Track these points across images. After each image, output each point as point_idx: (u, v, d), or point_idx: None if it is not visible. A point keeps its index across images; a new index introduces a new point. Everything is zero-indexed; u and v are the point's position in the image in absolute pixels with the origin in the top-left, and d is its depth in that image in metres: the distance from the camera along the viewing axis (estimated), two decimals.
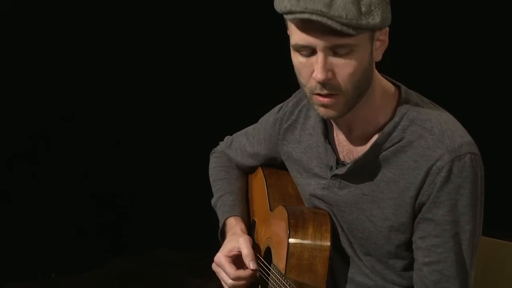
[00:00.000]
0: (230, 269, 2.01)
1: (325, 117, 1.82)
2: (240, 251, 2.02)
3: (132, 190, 4.92)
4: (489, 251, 1.88)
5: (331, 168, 1.89)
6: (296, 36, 1.72)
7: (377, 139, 1.81)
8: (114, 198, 4.90)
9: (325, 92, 1.73)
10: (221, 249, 2.05)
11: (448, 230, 1.77)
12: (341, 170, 1.87)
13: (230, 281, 2.02)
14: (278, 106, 2.09)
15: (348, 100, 1.75)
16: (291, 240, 1.88)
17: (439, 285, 1.79)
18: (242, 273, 2.02)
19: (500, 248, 2.04)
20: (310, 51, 1.72)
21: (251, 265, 2.00)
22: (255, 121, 2.20)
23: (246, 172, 2.27)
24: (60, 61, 4.38)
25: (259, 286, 2.07)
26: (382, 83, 1.84)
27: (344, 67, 1.72)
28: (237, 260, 2.03)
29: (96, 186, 4.79)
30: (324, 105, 1.77)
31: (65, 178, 4.65)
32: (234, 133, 2.28)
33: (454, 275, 1.78)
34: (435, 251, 1.78)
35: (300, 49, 1.73)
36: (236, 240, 2.05)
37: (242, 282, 2.02)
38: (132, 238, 4.95)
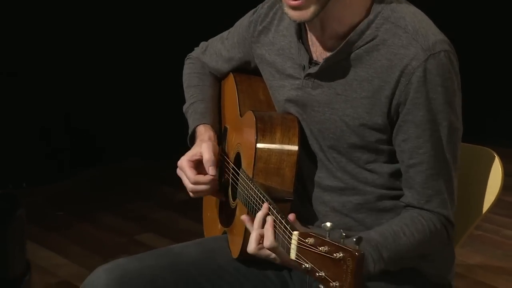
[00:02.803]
0: (190, 173, 2.03)
1: (297, 21, 1.82)
2: (202, 157, 2.03)
3: (103, 100, 4.89)
4: (462, 156, 1.89)
5: (304, 68, 1.89)
6: None
7: (350, 36, 1.82)
8: (85, 108, 4.87)
9: None
10: (185, 154, 2.06)
11: (428, 129, 1.80)
12: (314, 69, 1.87)
13: (190, 185, 2.05)
14: (253, 9, 2.08)
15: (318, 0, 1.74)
16: (259, 145, 1.89)
17: (426, 185, 1.83)
18: (201, 178, 2.04)
19: (467, 152, 2.06)
20: None
21: (211, 170, 2.02)
22: (230, 27, 2.19)
23: (220, 79, 2.26)
24: None
25: (229, 190, 2.08)
26: None
27: None
28: (200, 165, 2.05)
29: (67, 97, 4.76)
30: (294, 8, 1.75)
31: (35, 88, 4.61)
32: (210, 39, 2.27)
33: (438, 173, 1.82)
34: (417, 152, 1.81)
35: None
36: (200, 145, 2.06)
37: (202, 187, 2.04)
38: (103, 147, 4.96)
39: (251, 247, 1.74)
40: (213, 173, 2.02)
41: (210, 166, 2.02)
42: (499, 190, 2.02)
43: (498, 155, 2.05)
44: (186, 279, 1.97)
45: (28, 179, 4.59)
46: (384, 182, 1.89)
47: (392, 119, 1.82)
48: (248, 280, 2.00)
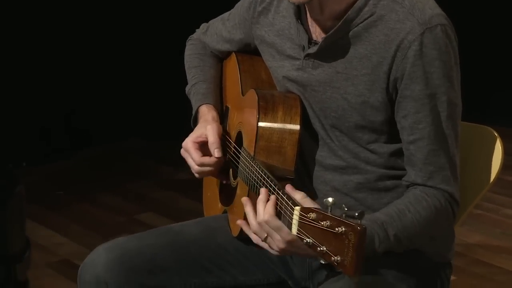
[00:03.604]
0: (196, 154, 2.03)
1: (296, 3, 1.83)
2: (207, 139, 2.03)
3: (104, 80, 4.89)
4: (462, 134, 1.90)
5: (303, 48, 1.88)
6: None
7: (348, 14, 1.81)
8: (86, 87, 4.87)
9: None
10: (190, 135, 2.06)
11: (427, 103, 1.79)
12: (313, 49, 1.87)
13: (196, 167, 2.05)
14: None
15: None
16: (260, 123, 1.89)
17: (427, 160, 1.82)
18: (207, 159, 2.04)
19: (468, 130, 2.06)
20: None
21: (216, 153, 2.02)
22: (230, 8, 2.19)
23: (221, 59, 2.26)
24: None
25: (230, 169, 2.08)
26: None
27: None
28: (204, 147, 2.05)
29: (68, 77, 4.75)
30: None
31: (35, 66, 4.60)
32: (211, 20, 2.27)
33: (438, 148, 1.82)
34: (417, 127, 1.81)
35: None
36: (204, 127, 2.05)
37: (207, 169, 2.04)
38: (103, 127, 4.96)
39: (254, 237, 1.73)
40: (218, 156, 2.02)
41: (216, 148, 2.02)
42: (499, 169, 2.02)
43: (499, 134, 2.05)
44: (186, 257, 1.98)
45: (28, 158, 4.59)
46: (385, 161, 1.89)
47: (391, 95, 1.82)
48: (248, 259, 2.01)
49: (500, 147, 2.02)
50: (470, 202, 2.07)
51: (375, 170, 1.90)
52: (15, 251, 1.34)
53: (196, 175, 2.08)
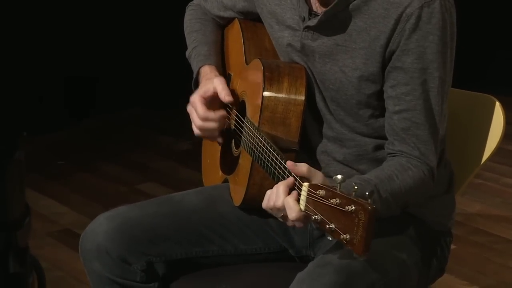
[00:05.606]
0: (201, 108, 2.01)
1: None
2: (215, 92, 2.02)
3: (104, 49, 4.87)
4: (458, 102, 1.89)
5: (303, 19, 1.87)
6: None
7: None
8: (85, 57, 4.85)
9: None
10: (197, 91, 2.04)
11: (417, 77, 1.79)
12: (313, 22, 1.86)
13: (199, 122, 2.02)
14: None
15: None
16: (266, 93, 1.88)
17: (409, 132, 1.82)
18: (212, 114, 2.02)
19: (468, 99, 2.06)
20: None
21: (226, 98, 1.99)
22: None
23: (222, 25, 2.25)
24: None
25: (232, 139, 2.08)
26: None
27: None
28: (211, 103, 2.03)
29: (66, 47, 4.74)
30: None
31: (33, 37, 4.59)
32: None
33: (423, 122, 1.81)
34: (404, 99, 1.80)
35: None
36: (211, 81, 2.04)
37: (210, 124, 2.02)
38: (104, 96, 4.95)
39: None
40: (229, 100, 1.99)
41: (226, 95, 2.00)
42: (500, 139, 2.02)
43: (500, 103, 2.05)
44: (186, 227, 1.98)
45: (28, 128, 4.59)
46: (382, 134, 1.88)
47: (385, 68, 1.82)
48: (249, 228, 2.01)
49: (502, 116, 2.02)
50: (471, 172, 2.07)
51: (372, 141, 1.90)
52: (15, 217, 1.35)
53: (197, 131, 2.04)
